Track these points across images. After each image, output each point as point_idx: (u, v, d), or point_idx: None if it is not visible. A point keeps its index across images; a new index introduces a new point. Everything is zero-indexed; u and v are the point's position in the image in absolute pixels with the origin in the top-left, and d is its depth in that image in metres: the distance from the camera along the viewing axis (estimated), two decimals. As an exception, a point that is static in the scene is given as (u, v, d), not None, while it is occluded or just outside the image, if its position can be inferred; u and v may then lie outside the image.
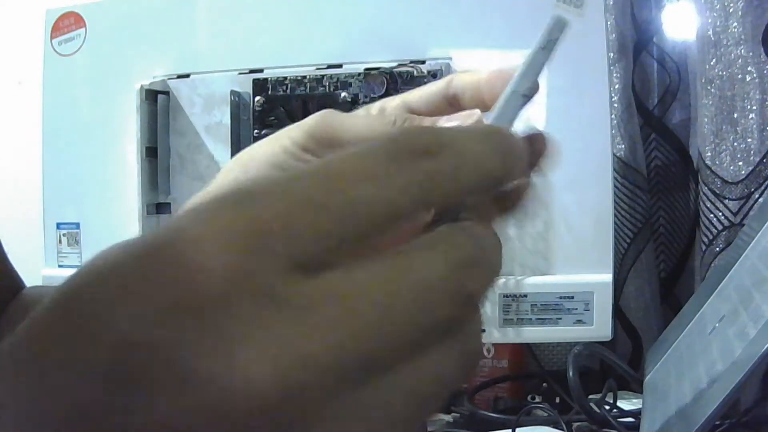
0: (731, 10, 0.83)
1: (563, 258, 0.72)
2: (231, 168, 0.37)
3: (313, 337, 0.16)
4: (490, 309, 0.72)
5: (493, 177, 0.20)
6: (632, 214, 0.95)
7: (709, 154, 0.87)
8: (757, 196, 0.84)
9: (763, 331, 0.48)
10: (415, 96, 0.35)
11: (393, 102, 0.35)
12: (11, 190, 1.58)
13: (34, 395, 0.16)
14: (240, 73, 0.77)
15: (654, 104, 0.99)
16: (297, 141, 0.34)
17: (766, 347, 0.46)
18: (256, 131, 0.75)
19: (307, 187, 0.17)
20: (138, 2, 0.82)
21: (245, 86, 0.77)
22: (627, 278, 0.94)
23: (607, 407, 0.72)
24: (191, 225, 0.16)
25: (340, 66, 0.74)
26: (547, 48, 0.30)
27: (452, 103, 0.35)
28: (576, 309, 0.71)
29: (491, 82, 0.33)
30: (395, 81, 0.70)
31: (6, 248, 0.47)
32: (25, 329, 0.17)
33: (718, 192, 0.86)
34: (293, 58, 0.75)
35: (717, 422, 0.53)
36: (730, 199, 0.86)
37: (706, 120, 0.87)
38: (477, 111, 0.32)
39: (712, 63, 0.86)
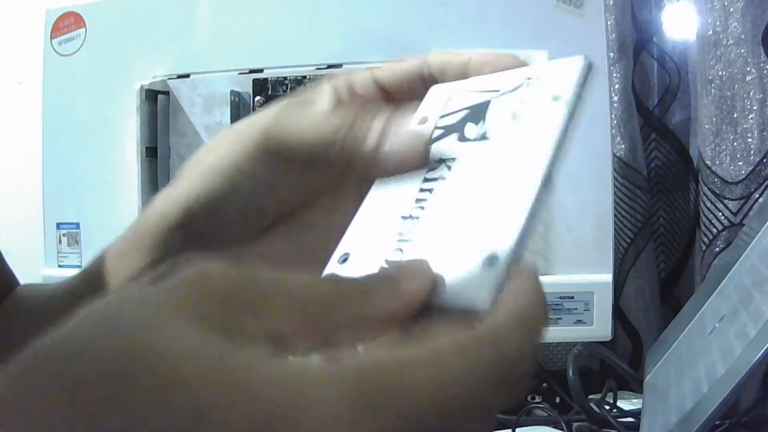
0: (731, 10, 0.83)
1: (563, 258, 0.72)
2: (194, 171, 0.35)
3: None
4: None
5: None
6: (632, 214, 0.95)
7: (709, 154, 0.87)
8: (757, 196, 0.84)
9: (763, 331, 0.48)
10: (386, 73, 0.34)
11: (361, 76, 0.34)
12: (11, 190, 1.58)
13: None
14: (240, 73, 0.77)
15: (654, 104, 0.99)
16: (257, 143, 0.33)
17: (766, 347, 0.46)
18: (256, 131, 0.75)
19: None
20: (138, 2, 0.82)
21: (245, 86, 0.77)
22: (627, 278, 0.94)
23: (607, 407, 0.72)
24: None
25: (340, 66, 0.74)
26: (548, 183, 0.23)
27: (427, 84, 0.33)
28: (576, 309, 0.71)
29: (479, 67, 0.31)
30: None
31: (6, 248, 0.47)
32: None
33: (718, 192, 0.86)
34: (293, 58, 0.75)
35: (717, 422, 0.53)
36: (730, 199, 0.86)
37: (706, 120, 0.87)
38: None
39: (712, 63, 0.86)
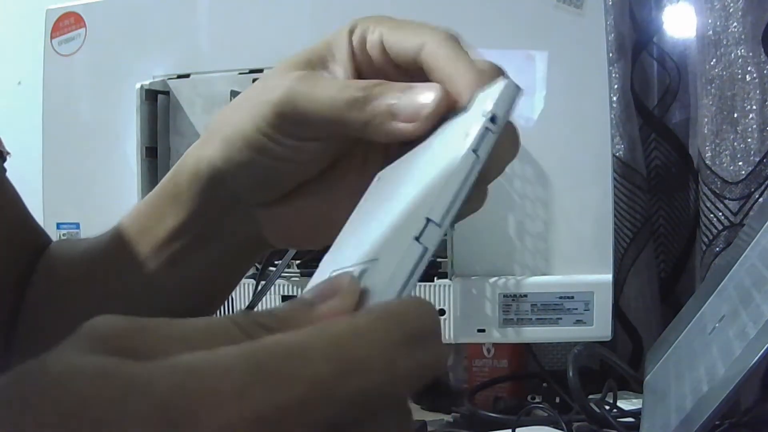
0: (731, 10, 0.83)
1: (563, 258, 0.72)
2: (220, 134, 0.36)
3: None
4: (490, 309, 0.73)
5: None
6: (632, 214, 0.95)
7: (709, 154, 0.87)
8: (757, 196, 0.84)
9: (763, 331, 0.48)
10: (393, 39, 0.34)
11: (372, 37, 0.34)
12: (11, 190, 1.58)
13: None
14: (240, 73, 0.77)
15: (654, 104, 0.99)
16: (268, 120, 0.33)
17: (766, 347, 0.46)
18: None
19: (318, 373, 0.18)
20: (138, 2, 0.82)
21: (245, 86, 0.76)
22: (627, 278, 0.94)
23: (607, 407, 0.72)
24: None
25: (340, 66, 0.74)
26: (479, 151, 0.24)
27: (416, 68, 0.33)
28: (576, 309, 0.71)
29: (468, 86, 0.30)
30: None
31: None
32: None
33: (718, 192, 0.87)
34: (293, 58, 0.75)
35: (717, 422, 0.53)
36: (730, 199, 0.86)
37: (706, 120, 0.87)
38: (437, 86, 0.30)
39: (712, 63, 0.86)
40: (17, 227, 0.46)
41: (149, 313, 0.41)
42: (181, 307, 0.42)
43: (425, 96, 0.30)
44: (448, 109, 0.30)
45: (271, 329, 0.19)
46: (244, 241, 0.39)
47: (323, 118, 0.32)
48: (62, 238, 0.82)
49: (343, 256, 0.27)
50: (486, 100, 0.26)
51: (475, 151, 0.24)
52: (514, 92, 0.25)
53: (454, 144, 0.25)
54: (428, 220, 0.22)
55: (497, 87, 0.26)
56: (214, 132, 0.36)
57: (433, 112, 0.30)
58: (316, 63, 0.35)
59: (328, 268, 0.27)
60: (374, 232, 0.26)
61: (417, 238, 0.22)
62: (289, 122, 0.33)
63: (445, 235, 0.51)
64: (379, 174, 0.32)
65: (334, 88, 0.33)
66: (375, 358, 0.18)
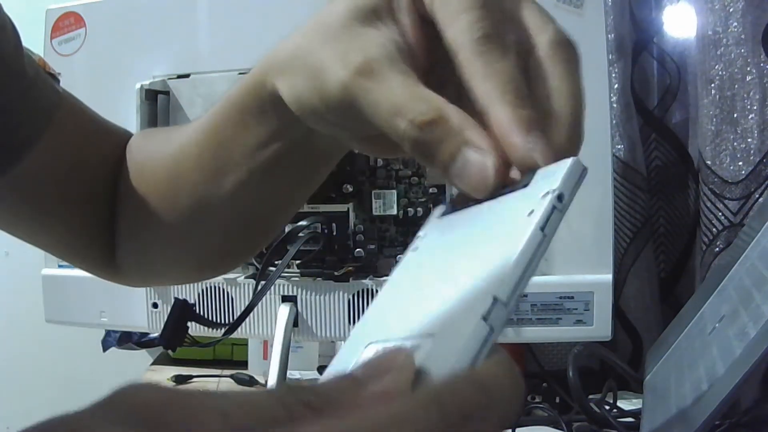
0: (731, 10, 0.83)
1: (563, 258, 0.72)
2: (290, 72, 0.33)
3: None
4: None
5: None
6: (632, 214, 0.95)
7: (709, 154, 0.87)
8: (757, 196, 0.84)
9: (763, 331, 0.48)
10: (437, 6, 0.29)
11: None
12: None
13: None
14: (240, 73, 0.77)
15: (654, 104, 0.99)
16: (330, 105, 0.31)
17: (766, 347, 0.46)
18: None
19: None
20: (138, 2, 0.82)
21: (245, 86, 0.77)
22: (627, 278, 0.94)
23: (607, 407, 0.72)
24: None
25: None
26: (546, 230, 0.23)
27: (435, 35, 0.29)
28: (576, 309, 0.71)
29: (518, 152, 0.26)
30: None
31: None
32: None
33: (718, 192, 0.87)
34: (293, 58, 0.75)
35: (717, 422, 0.53)
36: (730, 199, 0.86)
37: (706, 120, 0.87)
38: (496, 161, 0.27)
39: (712, 63, 0.86)
40: (98, 128, 0.48)
41: (232, 219, 0.40)
42: (265, 212, 0.42)
43: (487, 164, 0.26)
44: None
45: (316, 410, 0.18)
46: (332, 146, 0.38)
47: (381, 127, 0.29)
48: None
49: (384, 327, 0.25)
50: (552, 178, 0.24)
51: (542, 229, 0.23)
52: (580, 171, 0.24)
53: (518, 221, 0.24)
54: (495, 299, 0.21)
55: (564, 165, 0.25)
56: (295, 62, 0.33)
57: (493, 185, 0.27)
58: (382, 11, 0.31)
59: (362, 341, 0.25)
60: (424, 306, 0.24)
61: (484, 318, 0.21)
62: (351, 114, 0.30)
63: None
64: (417, 243, 0.30)
65: (397, 95, 0.28)
66: None
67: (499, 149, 0.27)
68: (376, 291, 0.74)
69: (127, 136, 0.49)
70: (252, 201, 0.41)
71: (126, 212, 0.47)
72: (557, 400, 0.83)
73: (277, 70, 0.35)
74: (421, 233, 0.30)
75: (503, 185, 0.27)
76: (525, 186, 0.26)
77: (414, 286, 0.27)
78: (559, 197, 0.24)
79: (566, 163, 0.25)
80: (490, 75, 0.27)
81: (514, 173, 0.27)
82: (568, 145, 0.28)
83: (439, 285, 0.25)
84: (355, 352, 0.25)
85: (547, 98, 0.28)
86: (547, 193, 0.24)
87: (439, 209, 0.30)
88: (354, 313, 0.75)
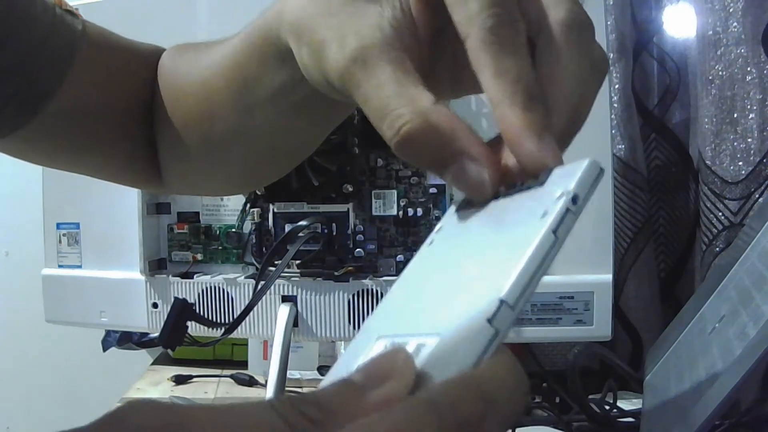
0: (731, 10, 0.83)
1: (563, 258, 0.71)
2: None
3: None
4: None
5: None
6: (632, 214, 0.95)
7: (709, 154, 0.87)
8: (757, 196, 0.84)
9: (763, 331, 0.48)
10: None
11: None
12: (11, 190, 1.58)
13: None
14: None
15: (654, 104, 0.99)
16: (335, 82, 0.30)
17: (766, 347, 0.46)
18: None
19: None
20: (138, 2, 0.82)
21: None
22: (627, 278, 0.94)
23: (607, 407, 0.72)
24: None
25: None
26: (559, 233, 0.23)
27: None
28: (576, 309, 0.71)
29: (527, 153, 0.26)
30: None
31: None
32: None
33: (718, 192, 0.87)
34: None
35: (717, 422, 0.53)
36: (730, 199, 0.86)
37: (706, 120, 0.87)
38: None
39: (712, 63, 0.86)
40: (125, 53, 0.50)
41: (263, 148, 0.42)
42: (294, 143, 0.42)
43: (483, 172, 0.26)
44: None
45: (316, 422, 0.18)
46: None
47: (373, 124, 0.28)
48: (62, 237, 0.82)
49: (394, 322, 0.25)
50: (567, 179, 0.24)
51: (554, 232, 0.23)
52: (597, 173, 0.24)
53: (531, 222, 0.23)
54: (502, 302, 0.21)
55: (580, 165, 0.24)
56: (301, 32, 0.32)
57: (490, 191, 0.26)
58: None
59: (374, 333, 0.25)
60: (433, 303, 0.24)
61: (489, 320, 0.20)
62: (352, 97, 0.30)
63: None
64: (432, 236, 0.29)
65: (384, 94, 0.27)
66: None
67: (494, 158, 0.26)
68: (376, 291, 0.74)
69: (158, 53, 0.50)
70: (281, 135, 0.41)
71: (164, 136, 0.48)
72: (557, 400, 0.83)
73: (288, 29, 0.34)
74: (437, 227, 0.30)
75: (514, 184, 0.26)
76: (541, 184, 0.25)
77: (426, 281, 0.27)
78: (574, 199, 0.23)
79: (582, 164, 0.24)
80: (499, 72, 0.26)
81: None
82: (560, 136, 0.27)
83: (450, 282, 0.25)
84: (366, 344, 0.25)
85: (550, 82, 0.27)
86: (562, 194, 0.23)
87: (456, 202, 0.30)
88: (354, 313, 0.75)
